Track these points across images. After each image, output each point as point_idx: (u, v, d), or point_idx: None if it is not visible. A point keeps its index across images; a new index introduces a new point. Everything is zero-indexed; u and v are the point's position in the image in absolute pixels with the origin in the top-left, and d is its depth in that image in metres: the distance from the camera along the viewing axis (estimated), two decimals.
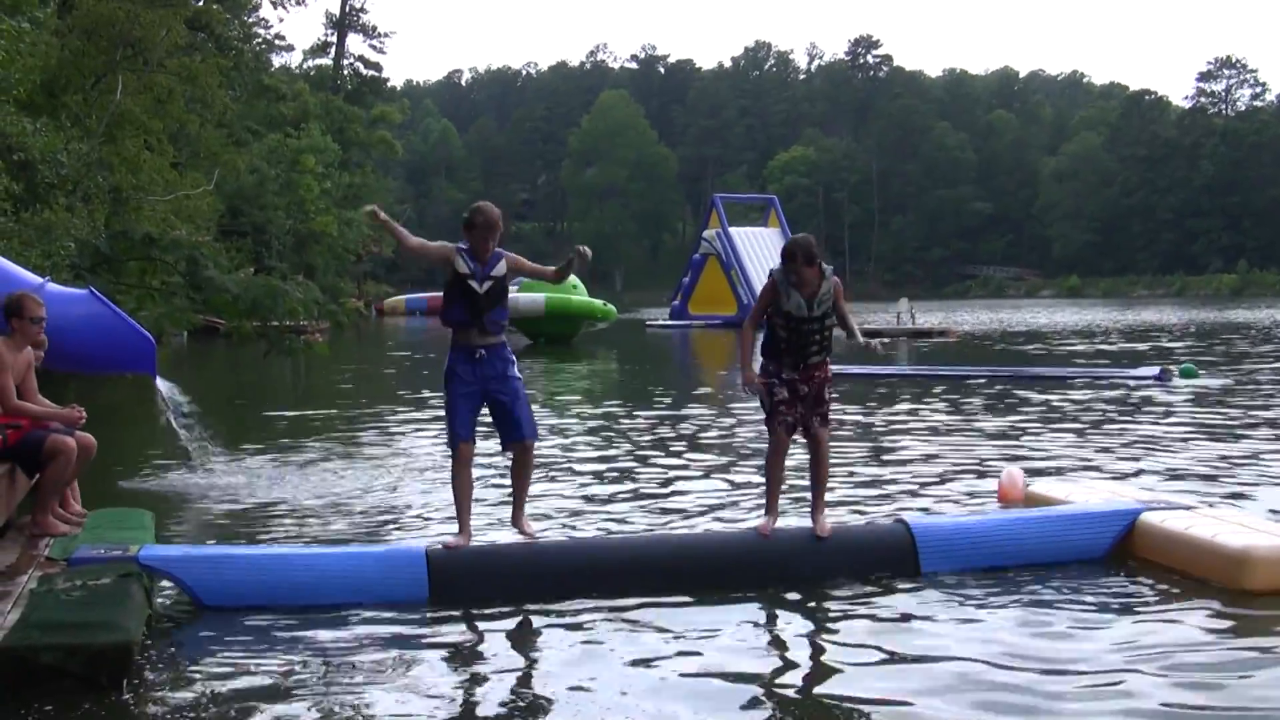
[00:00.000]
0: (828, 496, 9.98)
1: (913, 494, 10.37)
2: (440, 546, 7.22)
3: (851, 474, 11.44)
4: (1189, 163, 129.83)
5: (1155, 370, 21.52)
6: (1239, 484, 10.55)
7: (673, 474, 11.62)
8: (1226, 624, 6.37)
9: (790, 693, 5.54)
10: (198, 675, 5.70)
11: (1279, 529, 7.45)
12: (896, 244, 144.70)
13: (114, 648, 5.45)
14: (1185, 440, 13.52)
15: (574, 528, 9.04)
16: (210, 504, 10.26)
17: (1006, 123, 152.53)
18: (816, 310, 7.57)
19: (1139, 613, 6.62)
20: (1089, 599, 6.90)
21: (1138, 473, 11.23)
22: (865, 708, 5.24)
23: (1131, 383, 20.71)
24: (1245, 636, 6.16)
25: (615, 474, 11.66)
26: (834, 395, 7.86)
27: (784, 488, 8.19)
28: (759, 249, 56.28)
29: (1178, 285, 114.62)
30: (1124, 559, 7.69)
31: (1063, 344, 36.51)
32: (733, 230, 56.67)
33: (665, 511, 9.72)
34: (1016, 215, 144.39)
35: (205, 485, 11.12)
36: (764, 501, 7.95)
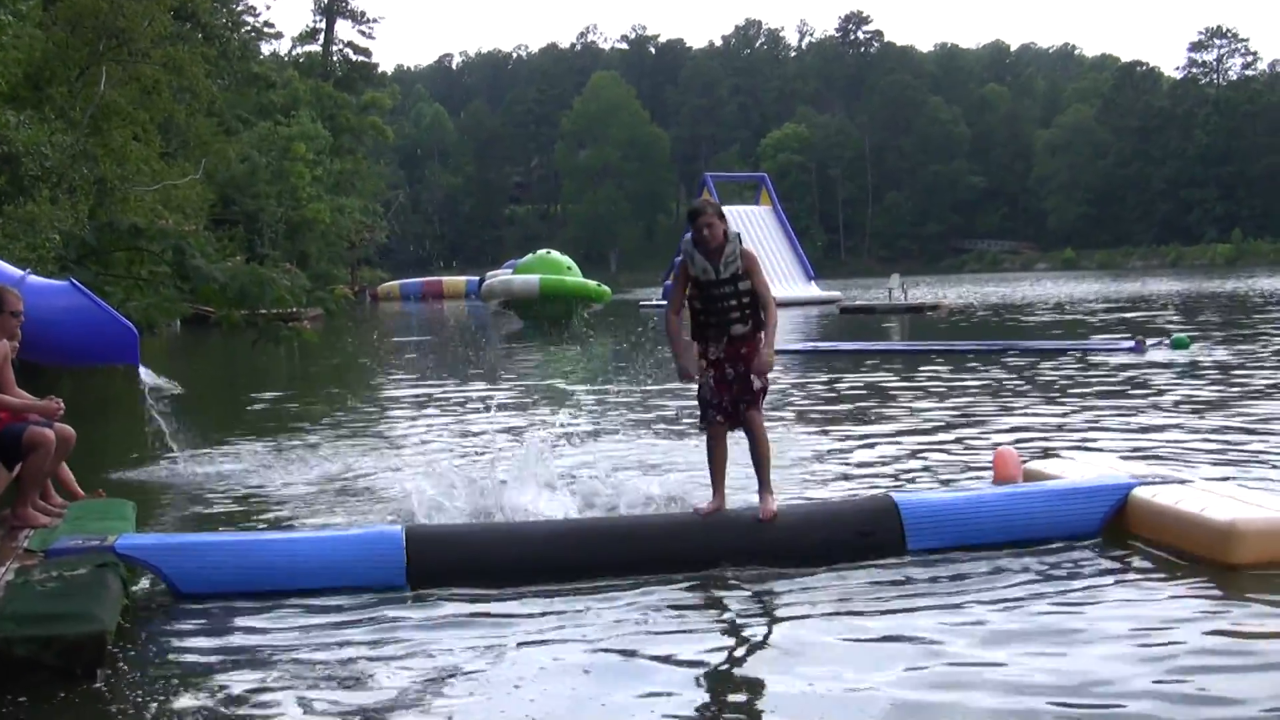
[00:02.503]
0: (819, 476, 10.02)
1: (903, 471, 10.32)
2: (415, 525, 7.24)
3: (841, 451, 11.42)
4: (1182, 133, 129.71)
5: (1131, 342, 21.67)
6: (1236, 456, 10.44)
7: (665, 452, 11.55)
8: (1212, 600, 6.30)
9: (768, 674, 5.49)
10: (173, 664, 5.67)
11: (1268, 501, 7.35)
12: (891, 219, 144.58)
13: (87, 638, 5.43)
14: (1181, 412, 13.46)
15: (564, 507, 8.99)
16: (196, 493, 10.22)
17: (999, 96, 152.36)
18: (725, 272, 7.41)
19: (1126, 591, 6.53)
20: (1075, 578, 6.81)
21: (1134, 446, 11.13)
22: (843, 689, 5.18)
23: (1110, 355, 20.69)
24: (1231, 612, 6.08)
25: (609, 453, 11.59)
26: (766, 381, 7.61)
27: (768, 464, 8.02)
28: (751, 227, 56.26)
29: (1173, 255, 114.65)
30: (1118, 535, 7.57)
31: (1052, 316, 36.50)
32: (725, 209, 56.55)
33: (649, 487, 9.65)
34: (1011, 188, 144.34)
35: (191, 474, 11.08)
36: (758, 485, 7.70)
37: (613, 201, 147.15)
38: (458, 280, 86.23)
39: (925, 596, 6.51)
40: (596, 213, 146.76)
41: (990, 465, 9.91)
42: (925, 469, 10.39)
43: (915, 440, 12.03)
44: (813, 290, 55.46)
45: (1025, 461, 9.53)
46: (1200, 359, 19.61)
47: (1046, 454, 10.47)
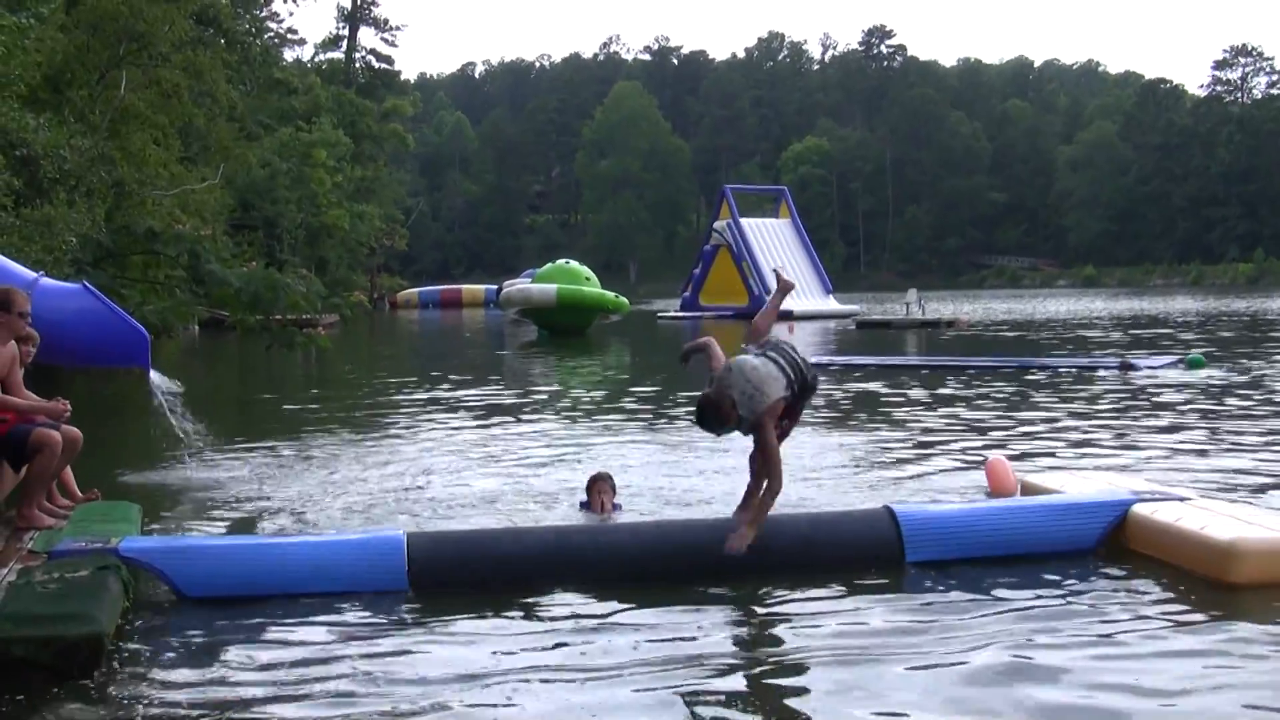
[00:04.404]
0: (818, 487, 10.03)
1: (903, 482, 10.30)
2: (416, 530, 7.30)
3: (841, 461, 11.43)
4: (1205, 151, 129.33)
5: (1115, 362, 21.66)
6: (1237, 475, 10.37)
7: (670, 463, 11.58)
8: (1211, 619, 6.24)
9: (759, 686, 5.49)
10: (172, 667, 5.69)
11: (1269, 520, 7.29)
12: (911, 233, 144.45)
13: (85, 639, 5.46)
14: (1185, 430, 13.39)
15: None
16: (201, 496, 10.25)
17: (1021, 112, 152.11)
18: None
19: (1121, 607, 6.48)
20: (1073, 594, 6.76)
21: (1134, 462, 11.12)
22: (834, 705, 5.16)
23: (1098, 372, 20.57)
24: (1231, 632, 6.02)
25: (615, 463, 11.59)
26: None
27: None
28: (770, 240, 56.39)
29: (1194, 274, 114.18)
30: (1115, 550, 7.53)
31: (1060, 334, 36.40)
32: (743, 221, 56.79)
33: (659, 500, 9.68)
34: (1032, 204, 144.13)
35: (200, 478, 11.12)
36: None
37: (633, 211, 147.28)
38: (476, 289, 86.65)
39: (921, 610, 6.49)
40: (616, 222, 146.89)
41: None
42: (925, 481, 10.37)
43: (916, 452, 12.02)
44: (830, 304, 55.48)
45: (1024, 475, 9.54)
46: (1215, 378, 19.50)
47: (1046, 468, 10.46)
